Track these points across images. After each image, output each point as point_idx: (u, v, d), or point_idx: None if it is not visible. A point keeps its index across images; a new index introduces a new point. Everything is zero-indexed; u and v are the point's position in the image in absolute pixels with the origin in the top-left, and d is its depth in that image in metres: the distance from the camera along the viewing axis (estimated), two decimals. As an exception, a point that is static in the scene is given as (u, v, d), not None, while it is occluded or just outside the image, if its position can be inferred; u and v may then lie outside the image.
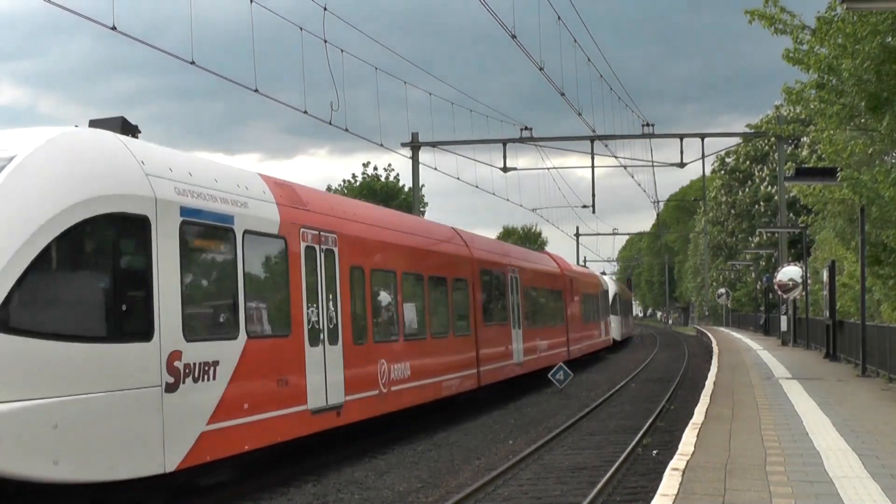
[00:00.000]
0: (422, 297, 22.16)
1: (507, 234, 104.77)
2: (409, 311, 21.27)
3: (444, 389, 22.96)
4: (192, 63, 18.90)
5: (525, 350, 30.32)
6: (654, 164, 50.10)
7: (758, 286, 72.32)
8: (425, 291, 22.30)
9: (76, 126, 12.83)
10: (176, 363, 12.34)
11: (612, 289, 61.34)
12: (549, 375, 31.06)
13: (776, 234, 53.62)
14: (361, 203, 23.41)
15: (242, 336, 13.86)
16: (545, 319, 34.95)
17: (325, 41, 23.04)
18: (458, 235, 26.41)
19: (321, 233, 16.71)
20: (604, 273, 77.66)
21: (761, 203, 77.15)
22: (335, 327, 16.79)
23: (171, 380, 12.25)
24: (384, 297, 19.94)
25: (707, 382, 25.62)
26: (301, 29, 22.72)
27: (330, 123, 25.21)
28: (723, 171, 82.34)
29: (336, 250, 17.19)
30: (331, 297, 16.74)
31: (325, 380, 16.24)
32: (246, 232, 14.25)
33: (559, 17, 29.36)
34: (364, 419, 18.00)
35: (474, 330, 25.49)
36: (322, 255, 16.66)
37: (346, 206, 19.20)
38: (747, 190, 79.23)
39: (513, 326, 29.28)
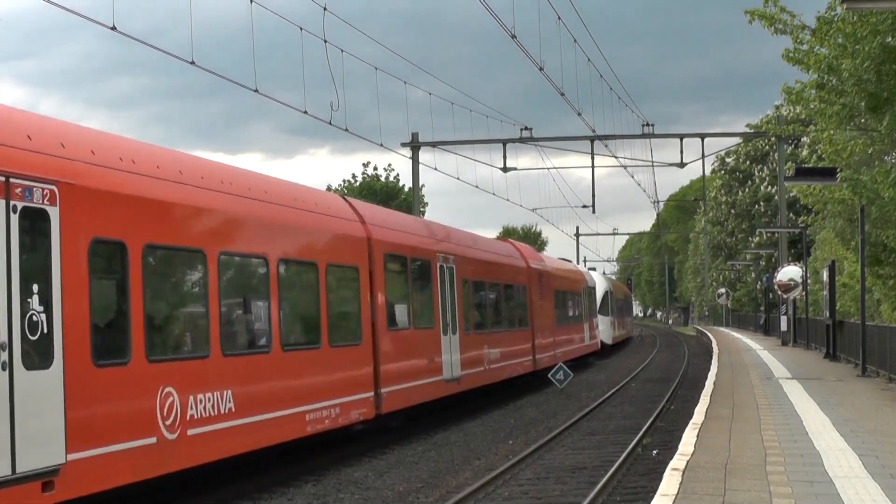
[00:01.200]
0: (265, 292, 15.21)
1: (508, 234, 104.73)
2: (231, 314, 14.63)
3: (287, 432, 15.54)
4: (192, 63, 18.90)
5: (464, 362, 24.29)
6: (654, 164, 50.03)
7: (758, 286, 72.32)
8: (272, 283, 15.27)
9: None
10: None
11: (600, 286, 55.05)
12: (549, 375, 31.03)
13: (776, 234, 53.63)
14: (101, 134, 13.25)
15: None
16: (500, 322, 28.79)
17: (325, 41, 23.05)
18: (351, 208, 19.64)
19: None
20: (593, 269, 68.98)
21: (761, 203, 77.13)
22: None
23: None
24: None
25: (707, 382, 25.62)
26: (301, 29, 22.72)
27: (330, 123, 25.22)
28: (723, 171, 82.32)
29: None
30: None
31: None
32: None
33: (559, 17, 29.36)
34: None
35: (370, 338, 18.87)
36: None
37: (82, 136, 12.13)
38: (747, 190, 79.21)
39: (443, 332, 23.05)
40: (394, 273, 20.85)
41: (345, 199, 20.33)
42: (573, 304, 42.36)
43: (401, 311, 21.06)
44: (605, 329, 52.98)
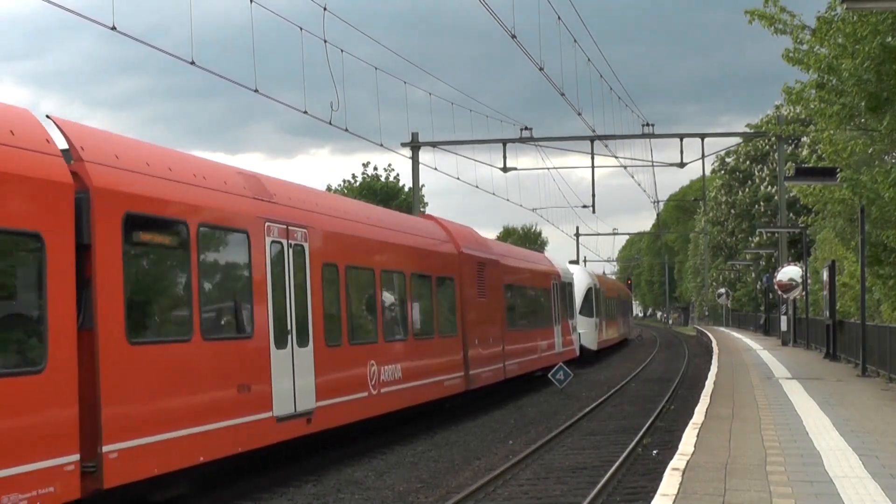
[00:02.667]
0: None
1: (508, 234, 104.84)
2: None
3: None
4: (192, 63, 18.90)
5: (324, 388, 16.53)
6: (654, 164, 50.05)
7: (758, 286, 72.32)
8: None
9: None
10: None
11: (581, 281, 47.28)
12: (549, 375, 31.05)
13: (776, 234, 53.60)
14: None
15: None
16: (402, 327, 21.07)
17: (325, 41, 23.04)
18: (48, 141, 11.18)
19: None
20: (574, 262, 56.92)
21: (761, 203, 77.11)
22: None
23: None
24: None
25: (707, 382, 25.63)
26: (301, 29, 22.72)
27: (330, 123, 25.23)
28: (723, 171, 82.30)
29: None
30: None
31: None
32: None
33: (559, 17, 29.35)
34: None
35: (78, 358, 10.93)
36: None
37: None
38: (747, 190, 79.19)
39: (276, 343, 15.16)
40: (149, 253, 13.41)
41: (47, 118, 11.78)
42: (537, 302, 34.67)
43: (155, 314, 13.28)
44: (587, 332, 46.33)
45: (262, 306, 14.97)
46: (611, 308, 57.86)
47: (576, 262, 57.19)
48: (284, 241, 15.77)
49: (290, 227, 15.96)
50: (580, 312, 45.05)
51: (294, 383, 15.62)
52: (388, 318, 20.43)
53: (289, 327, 15.64)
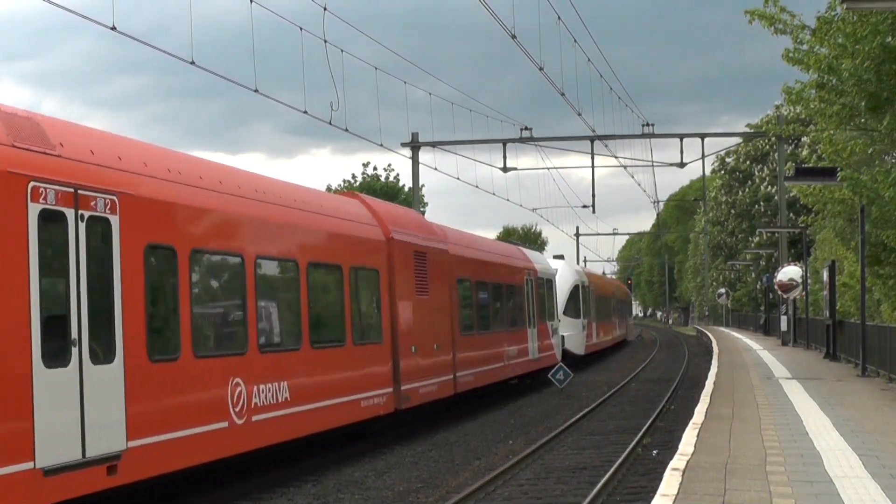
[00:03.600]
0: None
1: (508, 234, 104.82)
2: None
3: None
4: (192, 63, 18.91)
5: (142, 419, 12.22)
6: (654, 164, 50.05)
7: (758, 286, 72.33)
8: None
9: None
10: None
11: (566, 278, 42.38)
12: (550, 375, 31.00)
13: (776, 234, 53.62)
14: None
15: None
16: (284, 335, 16.33)
17: (325, 41, 23.04)
18: None
19: None
20: (560, 257, 49.76)
21: (761, 203, 77.14)
22: None
23: None
24: None
25: (707, 382, 25.64)
26: (301, 29, 22.72)
27: (330, 123, 25.22)
28: (723, 171, 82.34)
29: None
30: None
31: None
32: None
33: (559, 17, 29.34)
34: None
35: None
36: None
37: None
38: (747, 190, 79.23)
39: (45, 360, 10.84)
40: None
41: None
42: (505, 301, 29.77)
43: None
44: (572, 336, 41.23)
45: (13, 305, 10.45)
46: (604, 308, 53.29)
47: (561, 256, 49.15)
48: (70, 212, 11.25)
49: (81, 192, 11.40)
50: (564, 313, 40.59)
51: (83, 417, 11.12)
52: (267, 321, 15.51)
53: (73, 336, 11.13)
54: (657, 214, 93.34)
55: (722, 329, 78.30)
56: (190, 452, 13.03)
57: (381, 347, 19.58)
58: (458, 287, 24.74)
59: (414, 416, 21.94)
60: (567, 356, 37.94)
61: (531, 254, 35.94)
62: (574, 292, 43.01)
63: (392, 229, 20.59)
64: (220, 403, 13.77)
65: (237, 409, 14.08)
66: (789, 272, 44.99)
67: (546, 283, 34.93)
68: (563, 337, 38.06)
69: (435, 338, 22.36)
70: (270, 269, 16.04)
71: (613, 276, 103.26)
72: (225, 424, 13.79)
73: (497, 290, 29.03)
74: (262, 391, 14.81)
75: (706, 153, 45.14)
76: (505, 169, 44.10)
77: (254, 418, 14.49)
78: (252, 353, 14.76)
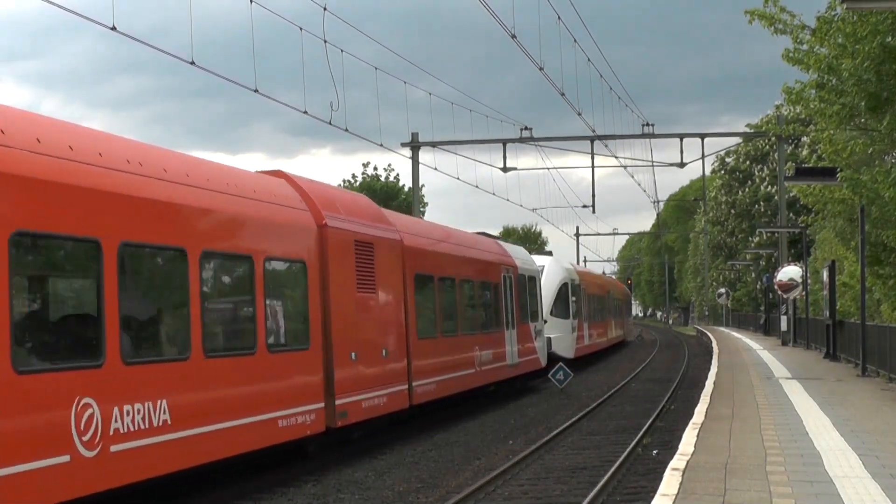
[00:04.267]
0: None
1: (508, 234, 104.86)
2: None
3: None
4: (192, 63, 18.91)
5: None
6: (654, 164, 50.07)
7: (758, 286, 72.33)
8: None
9: None
10: None
11: (553, 275, 39.04)
12: (549, 375, 30.99)
13: (776, 234, 53.64)
14: None
15: None
16: (165, 341, 13.50)
17: (325, 41, 23.04)
18: None
19: None
20: (549, 253, 46.82)
21: (761, 203, 77.16)
22: None
23: None
24: None
25: (707, 382, 25.64)
26: (301, 29, 22.73)
27: (330, 123, 25.23)
28: (723, 171, 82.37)
29: None
30: None
31: None
32: None
33: (559, 17, 29.38)
34: None
35: None
36: None
37: None
38: (747, 190, 79.25)
39: None
40: None
41: None
42: (476, 300, 26.68)
43: None
44: (561, 337, 37.84)
45: None
46: (598, 308, 50.40)
47: (549, 253, 45.87)
48: None
49: None
50: (552, 313, 37.54)
51: None
52: (135, 323, 12.54)
53: None
54: (657, 214, 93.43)
55: (722, 329, 78.30)
56: (9, 498, 9.94)
57: (307, 355, 16.16)
58: (417, 284, 21.50)
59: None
60: (555, 359, 34.66)
61: (511, 248, 32.40)
62: (562, 291, 39.53)
63: (326, 214, 17.23)
64: (60, 431, 10.64)
65: (86, 438, 10.98)
66: (789, 272, 45.00)
67: (528, 281, 31.81)
68: (549, 339, 35.27)
69: (384, 342, 19.20)
70: (144, 257, 13.02)
71: (613, 276, 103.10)
72: (66, 458, 10.70)
73: (467, 287, 25.73)
74: (127, 413, 11.66)
75: (706, 153, 45.20)
76: (505, 169, 44.11)
77: (113, 448, 11.35)
78: (111, 366, 11.48)
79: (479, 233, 30.78)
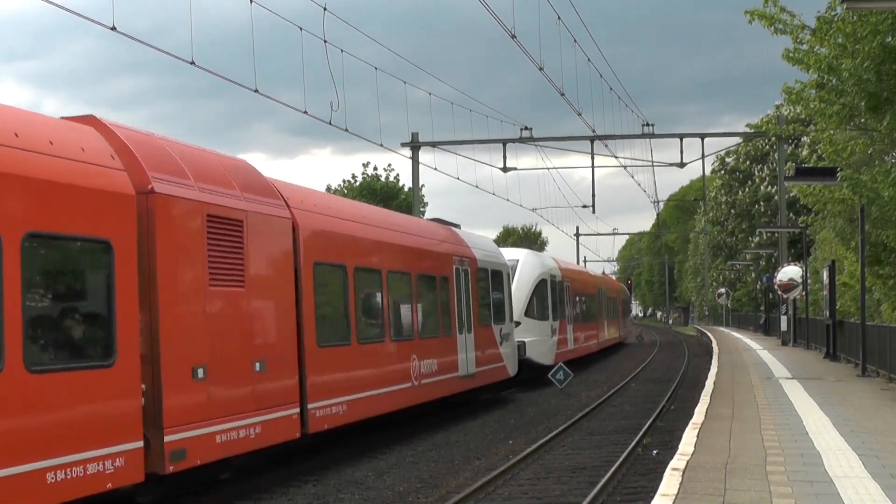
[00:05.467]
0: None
1: (507, 234, 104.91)
2: None
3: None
4: (192, 63, 18.91)
5: None
6: (654, 164, 50.06)
7: (758, 286, 72.33)
8: None
9: None
10: None
11: (529, 270, 34.15)
12: (549, 375, 30.97)
13: (776, 234, 53.64)
14: None
15: None
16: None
17: (325, 41, 23.04)
18: None
19: None
20: (525, 245, 43.04)
21: (761, 203, 77.17)
22: None
23: None
24: None
25: (707, 382, 25.63)
26: (301, 29, 22.73)
27: (330, 123, 25.23)
28: (723, 171, 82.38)
29: None
30: None
31: None
32: None
33: (559, 17, 29.37)
34: None
35: None
36: None
37: None
38: (747, 190, 79.26)
39: None
40: None
41: None
42: (414, 298, 21.54)
43: None
44: (538, 342, 33.17)
45: None
46: (587, 307, 45.74)
47: (527, 245, 41.25)
48: None
49: None
50: (526, 314, 32.92)
51: None
52: None
53: None
54: (657, 214, 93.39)
55: (722, 329, 78.29)
56: None
57: (109, 374, 11.51)
58: (319, 277, 16.84)
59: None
60: (529, 366, 31.47)
61: (471, 237, 27.32)
62: (540, 288, 34.49)
63: (156, 177, 12.71)
64: None
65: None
66: (789, 272, 45.00)
67: (493, 276, 27.28)
68: (523, 343, 31.33)
69: (258, 353, 14.50)
70: None
71: (614, 276, 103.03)
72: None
73: (400, 282, 20.94)
74: None
75: (706, 153, 45.18)
76: (505, 169, 44.11)
77: None
78: None
79: (432, 219, 27.72)
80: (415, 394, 20.95)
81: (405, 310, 21.16)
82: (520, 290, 32.68)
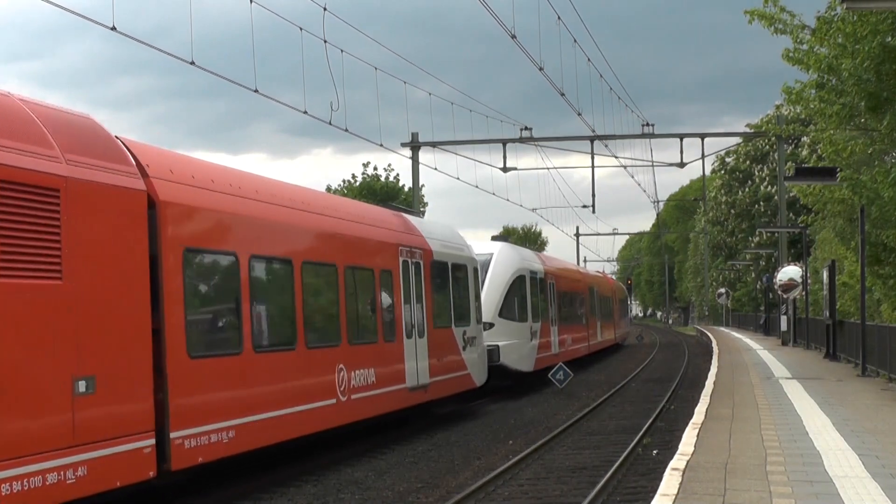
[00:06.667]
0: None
1: (507, 234, 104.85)
2: None
3: None
4: (192, 63, 18.91)
5: None
6: (654, 164, 50.06)
7: (758, 286, 72.35)
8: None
9: None
10: None
11: (504, 266, 30.48)
12: (549, 375, 30.96)
13: (776, 234, 53.65)
14: None
15: None
16: None
17: (325, 41, 23.04)
18: None
19: None
20: (503, 238, 35.71)
21: (761, 203, 77.21)
22: None
23: None
24: None
25: (707, 382, 25.64)
26: (301, 29, 22.72)
27: (330, 123, 25.20)
28: (723, 171, 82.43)
29: None
30: None
31: None
32: None
33: (559, 17, 29.36)
34: None
35: None
36: None
37: None
38: (747, 190, 79.31)
39: None
40: None
41: None
42: (340, 294, 17.71)
43: None
44: (513, 346, 29.60)
45: None
46: (575, 307, 42.00)
47: (503, 238, 35.50)
48: None
49: None
50: (501, 314, 29.52)
51: None
52: None
53: None
54: (657, 214, 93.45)
55: (722, 329, 78.31)
56: None
57: None
58: (191, 267, 13.42)
59: (414, 417, 18.82)
60: (505, 374, 29.06)
61: (427, 225, 24.03)
62: (517, 286, 30.74)
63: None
64: None
65: None
66: (789, 272, 45.01)
67: (454, 270, 23.93)
68: (497, 348, 28.21)
69: (82, 367, 10.97)
70: None
71: (614, 276, 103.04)
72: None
73: (319, 275, 17.25)
74: None
75: (706, 153, 45.18)
76: (505, 169, 44.10)
77: None
78: None
79: (379, 203, 25.37)
80: (342, 412, 17.26)
81: (328, 310, 17.45)
82: (493, 287, 29.53)
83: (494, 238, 34.03)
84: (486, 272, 29.12)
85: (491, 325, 28.16)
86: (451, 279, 23.77)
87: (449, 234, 25.18)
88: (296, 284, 16.03)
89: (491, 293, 29.18)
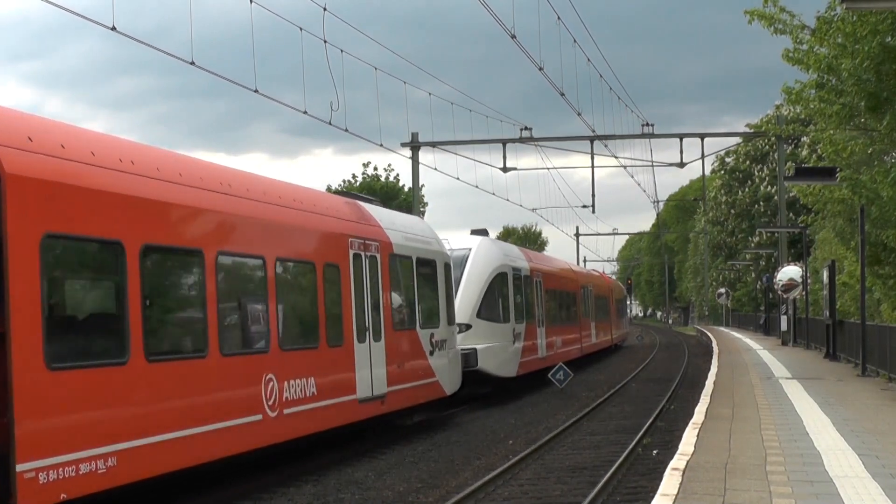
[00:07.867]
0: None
1: (508, 234, 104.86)
2: None
3: None
4: (192, 63, 18.91)
5: None
6: (654, 164, 50.05)
7: (758, 286, 72.36)
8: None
9: None
10: None
11: (487, 261, 28.22)
12: (549, 375, 30.96)
13: (776, 234, 53.66)
14: None
15: None
16: None
17: (325, 41, 23.04)
18: None
19: None
20: (481, 232, 31.23)
21: (761, 203, 77.22)
22: None
23: None
24: None
25: (707, 382, 25.64)
26: (301, 29, 22.73)
27: (330, 123, 25.20)
28: (723, 171, 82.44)
29: None
30: None
31: None
32: None
33: (559, 17, 29.37)
34: None
35: None
36: None
37: None
38: (747, 190, 79.31)
39: None
40: None
41: None
42: (269, 292, 15.18)
43: None
44: (493, 349, 27.25)
45: None
46: (565, 307, 39.18)
47: (483, 231, 31.49)
48: None
49: None
50: (479, 314, 27.19)
51: None
52: None
53: None
54: (657, 214, 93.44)
55: (722, 329, 78.32)
56: None
57: None
58: (54, 258, 10.97)
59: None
60: (485, 380, 27.02)
61: (387, 215, 21.45)
62: (497, 283, 28.28)
63: None
64: None
65: None
66: (789, 272, 45.01)
67: (419, 266, 21.56)
68: (474, 351, 26.15)
69: None
70: None
71: (613, 276, 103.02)
72: None
73: (241, 269, 15.00)
74: None
75: (706, 153, 45.18)
76: (505, 169, 44.11)
77: None
78: None
79: (337, 191, 22.43)
80: (271, 429, 14.83)
81: (253, 310, 14.90)
82: (470, 285, 27.09)
83: (474, 232, 30.73)
84: (464, 269, 27.10)
85: (468, 327, 26.13)
86: (415, 276, 21.27)
87: (415, 226, 22.89)
88: (207, 279, 13.40)
89: (468, 291, 26.93)
